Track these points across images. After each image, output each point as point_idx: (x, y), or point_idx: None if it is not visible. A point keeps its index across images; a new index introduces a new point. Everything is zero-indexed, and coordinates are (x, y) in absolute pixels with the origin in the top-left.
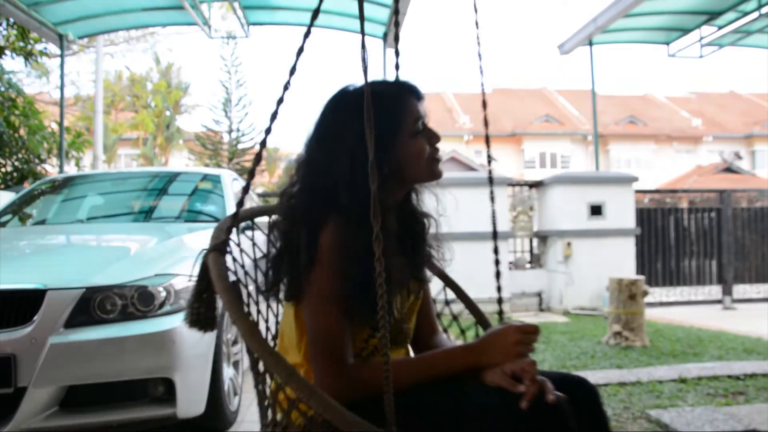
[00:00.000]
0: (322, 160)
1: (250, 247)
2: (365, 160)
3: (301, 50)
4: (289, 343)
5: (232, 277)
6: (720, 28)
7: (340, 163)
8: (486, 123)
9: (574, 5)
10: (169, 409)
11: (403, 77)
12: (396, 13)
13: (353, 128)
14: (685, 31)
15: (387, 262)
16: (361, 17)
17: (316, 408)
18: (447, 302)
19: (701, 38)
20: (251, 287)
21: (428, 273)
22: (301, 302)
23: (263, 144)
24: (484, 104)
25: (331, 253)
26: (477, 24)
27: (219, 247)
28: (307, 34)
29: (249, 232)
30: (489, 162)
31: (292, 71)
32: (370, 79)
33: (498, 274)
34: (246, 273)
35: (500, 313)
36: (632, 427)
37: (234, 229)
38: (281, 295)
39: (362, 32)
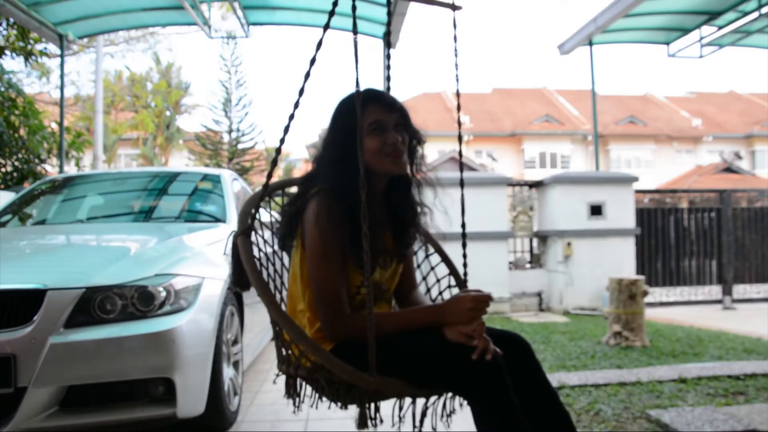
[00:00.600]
0: (319, 151)
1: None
2: (344, 152)
3: (313, 60)
4: (295, 292)
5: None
6: (720, 28)
7: (327, 154)
8: (459, 124)
9: (574, 5)
10: (169, 409)
11: (399, 78)
12: (389, 15)
13: (336, 127)
14: (685, 31)
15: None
16: (354, 29)
17: (318, 359)
18: (427, 256)
19: (701, 38)
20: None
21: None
22: (305, 257)
23: (278, 151)
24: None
25: (318, 217)
26: (455, 38)
27: (246, 231)
28: (318, 45)
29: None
30: (460, 156)
31: (306, 76)
32: (363, 84)
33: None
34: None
35: (465, 278)
36: (632, 427)
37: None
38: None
39: (356, 50)
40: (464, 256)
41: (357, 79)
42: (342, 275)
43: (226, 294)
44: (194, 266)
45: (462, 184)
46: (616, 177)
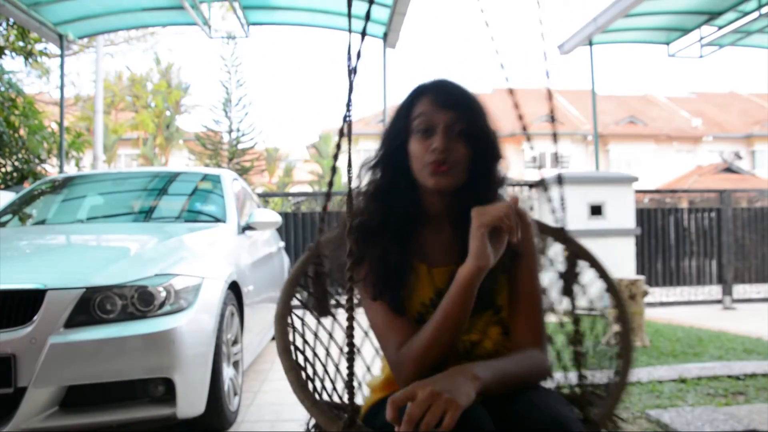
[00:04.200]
0: None
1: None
2: (380, 158)
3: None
4: None
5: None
6: (720, 28)
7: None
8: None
9: (574, 5)
10: (169, 409)
11: (399, 78)
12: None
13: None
14: (685, 31)
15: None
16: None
17: None
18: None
19: (701, 38)
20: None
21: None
22: None
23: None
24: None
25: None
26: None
27: (283, 313)
28: (350, 91)
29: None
30: None
31: (350, 90)
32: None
33: None
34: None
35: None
36: (632, 427)
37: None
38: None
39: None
40: None
41: (351, 82)
42: (384, 313)
43: (226, 294)
44: (194, 266)
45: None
46: (616, 177)
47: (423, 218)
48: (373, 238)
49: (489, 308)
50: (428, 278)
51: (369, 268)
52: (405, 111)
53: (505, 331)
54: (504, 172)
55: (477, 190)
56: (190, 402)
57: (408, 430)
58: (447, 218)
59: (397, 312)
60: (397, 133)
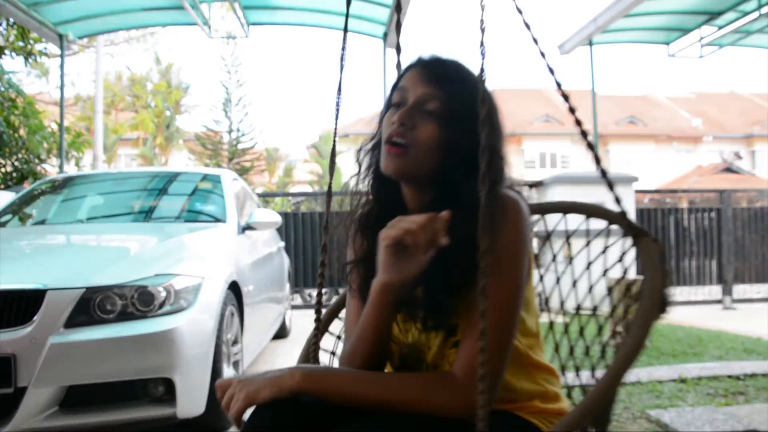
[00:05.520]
0: None
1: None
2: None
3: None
4: None
5: None
6: (720, 28)
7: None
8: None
9: (574, 5)
10: (169, 409)
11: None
12: (398, 9)
13: None
14: (685, 31)
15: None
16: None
17: None
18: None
19: (701, 38)
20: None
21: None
22: None
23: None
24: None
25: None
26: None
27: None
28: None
29: None
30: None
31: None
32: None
33: None
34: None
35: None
36: (632, 427)
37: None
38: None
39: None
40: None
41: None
42: (352, 312)
43: (226, 294)
44: (194, 266)
45: None
46: (616, 177)
47: (406, 213)
48: (367, 231)
49: (442, 328)
50: None
51: (355, 262)
52: (393, 88)
53: None
54: (504, 174)
55: (454, 185)
56: (190, 402)
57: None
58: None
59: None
60: (381, 118)
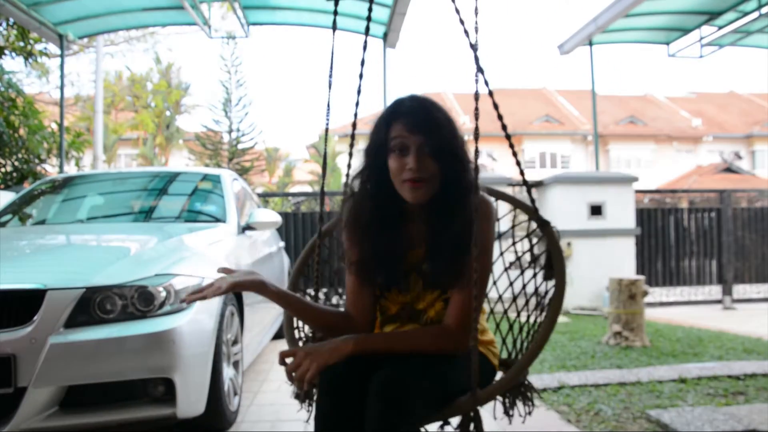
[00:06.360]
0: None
1: None
2: (365, 166)
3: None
4: None
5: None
6: (720, 28)
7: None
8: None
9: (574, 5)
10: (169, 409)
11: (400, 78)
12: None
13: (368, 139)
14: (685, 31)
15: (384, 246)
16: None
17: None
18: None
19: (701, 38)
20: None
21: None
22: None
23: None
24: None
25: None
26: (477, 27)
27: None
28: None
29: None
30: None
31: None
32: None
33: None
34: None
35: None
36: (632, 427)
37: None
38: None
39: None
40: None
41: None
42: (356, 292)
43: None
44: (194, 266)
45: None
46: (616, 177)
47: (405, 214)
48: (368, 229)
49: (437, 288)
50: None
51: (361, 252)
52: (383, 131)
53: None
54: (472, 176)
55: (447, 192)
56: (190, 402)
57: (289, 379)
58: (422, 214)
59: (362, 285)
60: (378, 149)
